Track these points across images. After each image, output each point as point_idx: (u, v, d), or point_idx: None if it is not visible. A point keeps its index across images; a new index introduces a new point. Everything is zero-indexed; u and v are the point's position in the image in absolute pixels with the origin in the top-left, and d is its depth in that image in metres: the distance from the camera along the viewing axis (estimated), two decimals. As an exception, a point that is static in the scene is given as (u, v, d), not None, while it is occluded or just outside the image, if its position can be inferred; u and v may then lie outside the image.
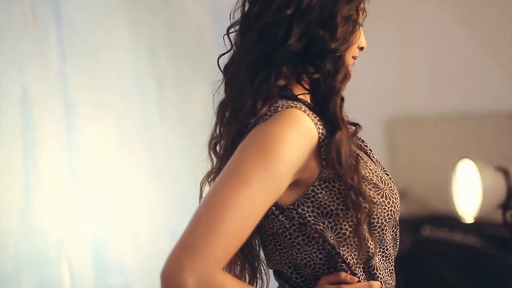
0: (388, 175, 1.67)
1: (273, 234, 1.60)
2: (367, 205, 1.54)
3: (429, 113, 3.97)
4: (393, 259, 1.67)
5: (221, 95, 1.69)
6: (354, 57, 1.67)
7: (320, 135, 1.54)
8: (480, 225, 3.25)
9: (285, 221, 1.57)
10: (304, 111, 1.54)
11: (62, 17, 2.53)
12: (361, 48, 1.70)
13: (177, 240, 1.43)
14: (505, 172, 2.77)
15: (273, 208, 1.56)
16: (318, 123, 1.55)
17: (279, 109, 1.55)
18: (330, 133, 1.55)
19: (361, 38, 1.69)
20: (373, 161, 1.67)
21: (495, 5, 3.81)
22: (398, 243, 1.69)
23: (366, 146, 1.72)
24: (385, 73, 4.02)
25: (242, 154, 1.49)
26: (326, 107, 1.57)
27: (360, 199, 1.53)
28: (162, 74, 3.03)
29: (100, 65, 2.70)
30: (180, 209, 2.90)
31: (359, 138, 1.70)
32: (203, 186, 1.70)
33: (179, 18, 3.18)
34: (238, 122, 1.60)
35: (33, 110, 2.37)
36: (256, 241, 1.72)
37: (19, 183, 2.29)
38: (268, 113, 1.55)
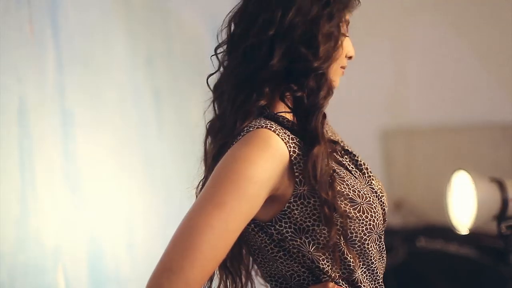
0: (373, 189, 1.68)
1: (258, 248, 1.63)
2: (342, 220, 1.55)
3: (425, 124, 3.98)
4: (381, 272, 1.68)
5: (211, 112, 1.72)
6: (342, 67, 1.69)
7: (292, 153, 1.56)
8: (475, 237, 3.26)
9: (264, 237, 1.60)
10: (275, 131, 1.55)
11: (59, 27, 2.53)
12: (350, 57, 1.71)
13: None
14: (500, 184, 2.77)
15: (252, 225, 1.60)
16: (290, 141, 1.57)
17: (251, 129, 1.57)
18: (307, 149, 1.56)
19: (349, 48, 1.71)
20: (355, 176, 1.67)
21: (491, 16, 3.83)
22: (383, 255, 1.69)
23: (354, 157, 1.73)
24: (380, 84, 4.03)
25: (214, 177, 1.54)
26: (308, 123, 1.59)
27: (334, 214, 1.55)
28: (159, 84, 3.04)
29: (97, 75, 2.71)
30: (175, 219, 2.89)
31: (342, 149, 1.71)
32: (196, 194, 1.74)
33: (176, 29, 3.19)
34: (219, 140, 1.65)
35: (30, 119, 2.37)
36: (245, 254, 1.76)
37: (15, 192, 2.29)
38: (242, 133, 1.58)
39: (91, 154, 2.62)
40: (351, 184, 1.61)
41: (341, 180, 1.60)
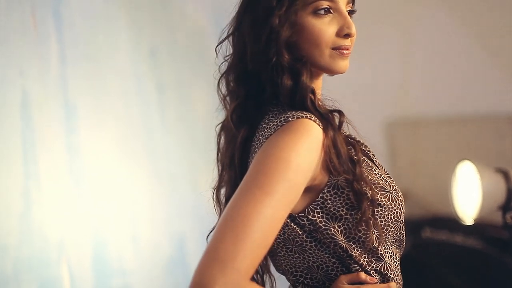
0: (391, 178, 1.68)
1: (284, 240, 1.62)
2: (369, 192, 1.56)
3: (430, 116, 3.97)
4: (398, 259, 1.68)
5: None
6: (337, 48, 1.64)
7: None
8: (480, 227, 3.25)
9: (296, 228, 1.59)
10: (315, 120, 1.55)
11: (62, 20, 2.53)
12: (347, 35, 1.64)
13: (204, 250, 1.44)
14: (505, 174, 2.77)
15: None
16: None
17: (290, 119, 1.56)
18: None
19: (336, 27, 1.63)
20: (377, 166, 1.68)
21: (495, 8, 3.82)
22: (403, 244, 1.70)
23: (369, 151, 1.73)
24: (385, 75, 4.02)
25: (260, 166, 1.51)
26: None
27: (363, 185, 1.55)
28: (162, 77, 3.03)
29: (101, 68, 2.70)
30: (179, 211, 2.90)
31: (363, 144, 1.71)
32: (213, 195, 1.75)
33: (179, 21, 3.18)
34: (241, 134, 1.67)
35: (33, 113, 2.37)
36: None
37: (19, 185, 2.29)
38: (279, 124, 1.56)
39: (94, 147, 2.62)
40: (378, 174, 1.62)
41: (370, 169, 1.61)
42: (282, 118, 1.57)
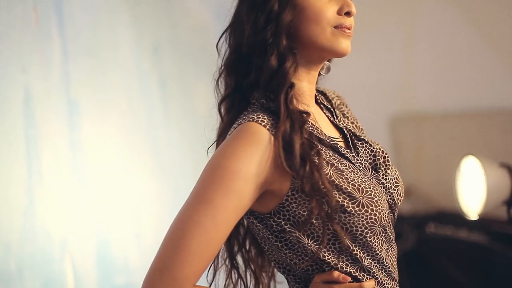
0: (380, 180, 1.66)
1: (262, 238, 1.63)
2: (328, 194, 1.53)
3: (434, 111, 3.96)
4: (390, 260, 1.66)
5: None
6: (338, 27, 1.62)
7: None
8: (485, 222, 3.25)
9: (264, 228, 1.60)
10: (265, 125, 1.54)
11: (64, 16, 2.52)
12: (348, 14, 1.63)
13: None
14: (509, 169, 2.76)
15: (252, 217, 1.61)
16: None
17: (242, 122, 1.57)
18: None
19: (334, 6, 1.63)
20: (359, 168, 1.64)
21: (499, 3, 3.80)
22: (392, 245, 1.68)
23: (367, 149, 1.71)
24: (389, 71, 4.01)
25: (203, 173, 1.55)
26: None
27: (317, 188, 1.53)
28: (165, 72, 3.03)
29: (103, 64, 2.70)
30: (184, 207, 2.89)
31: (341, 147, 1.66)
32: None
33: (182, 16, 3.17)
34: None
35: (35, 109, 2.37)
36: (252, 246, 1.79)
37: (22, 182, 2.29)
38: (233, 129, 1.59)
39: (97, 144, 2.62)
40: (350, 178, 1.58)
41: (340, 174, 1.58)
42: (237, 123, 1.59)
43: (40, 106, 2.38)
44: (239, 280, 1.78)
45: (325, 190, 1.53)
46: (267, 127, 1.54)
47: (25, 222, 2.28)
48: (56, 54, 2.48)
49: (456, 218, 3.24)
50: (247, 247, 1.80)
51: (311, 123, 1.62)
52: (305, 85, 1.67)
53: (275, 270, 1.79)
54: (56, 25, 2.49)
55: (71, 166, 2.50)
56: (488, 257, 3.33)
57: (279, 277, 1.76)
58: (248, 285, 1.79)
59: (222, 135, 1.68)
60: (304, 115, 1.59)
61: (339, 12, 1.62)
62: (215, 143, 1.72)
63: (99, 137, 2.63)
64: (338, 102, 1.83)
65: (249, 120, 1.56)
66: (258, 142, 1.52)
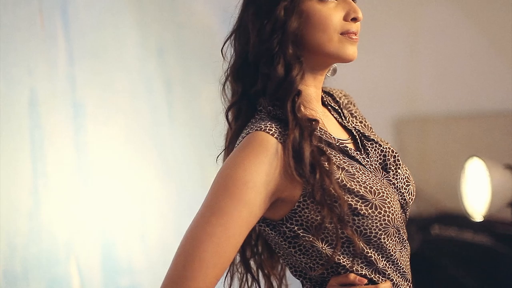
0: (391, 181, 1.66)
1: (276, 243, 1.64)
2: (339, 201, 1.54)
3: (438, 113, 3.96)
4: (404, 261, 1.66)
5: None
6: (345, 34, 1.62)
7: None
8: (489, 224, 3.24)
9: (277, 235, 1.60)
10: (273, 134, 1.55)
11: (69, 18, 2.53)
12: (354, 19, 1.63)
13: None
14: (514, 171, 2.76)
15: (263, 225, 1.61)
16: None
17: (250, 131, 1.58)
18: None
19: (341, 12, 1.62)
20: (369, 170, 1.65)
21: (503, 6, 3.80)
22: (405, 245, 1.68)
23: (377, 149, 1.71)
24: (394, 73, 4.01)
25: (213, 185, 1.55)
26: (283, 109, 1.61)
27: (329, 199, 1.53)
28: (170, 74, 3.03)
29: (108, 66, 2.70)
30: (189, 209, 2.90)
31: (350, 149, 1.67)
32: None
33: (187, 18, 3.18)
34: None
35: (41, 111, 2.37)
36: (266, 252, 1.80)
37: (28, 184, 2.30)
38: (241, 139, 1.59)
39: (102, 146, 2.62)
40: (362, 181, 1.58)
41: (351, 177, 1.58)
42: (245, 132, 1.59)
43: (46, 108, 2.39)
44: (254, 283, 1.78)
45: (336, 196, 1.53)
46: (275, 135, 1.54)
47: (30, 223, 2.29)
48: (62, 56, 2.49)
49: (461, 219, 3.24)
50: (260, 251, 1.80)
51: (319, 128, 1.62)
52: (312, 90, 1.66)
53: (287, 271, 1.79)
54: (62, 27, 2.50)
55: (76, 167, 2.50)
56: (493, 259, 3.33)
57: (290, 278, 1.76)
58: None
59: (231, 143, 1.68)
60: (313, 122, 1.59)
61: (345, 18, 1.62)
62: (224, 151, 1.72)
63: (104, 139, 2.63)
64: (346, 101, 1.83)
65: (256, 130, 1.56)
66: (266, 151, 1.53)
